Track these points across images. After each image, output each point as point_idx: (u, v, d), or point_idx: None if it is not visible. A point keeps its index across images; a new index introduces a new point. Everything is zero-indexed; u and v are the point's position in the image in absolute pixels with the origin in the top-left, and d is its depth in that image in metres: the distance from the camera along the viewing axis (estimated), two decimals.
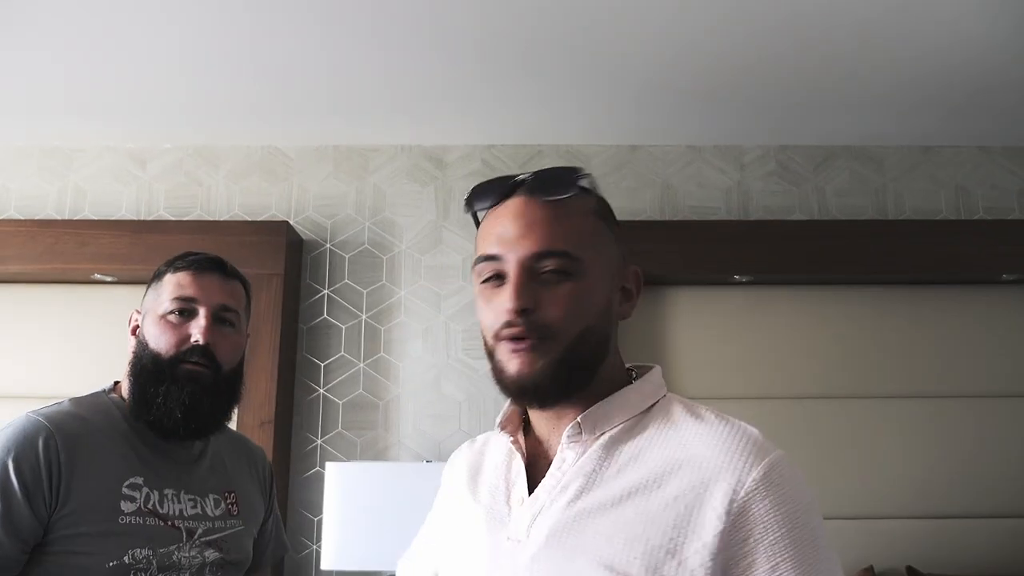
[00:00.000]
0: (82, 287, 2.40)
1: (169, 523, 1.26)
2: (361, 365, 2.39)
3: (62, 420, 1.22)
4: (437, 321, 2.41)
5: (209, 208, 2.50)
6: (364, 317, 2.42)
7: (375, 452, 2.33)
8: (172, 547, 1.24)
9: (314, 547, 2.28)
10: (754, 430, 0.83)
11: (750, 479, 0.77)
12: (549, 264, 0.84)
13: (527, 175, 0.88)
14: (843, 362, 2.37)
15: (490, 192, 0.90)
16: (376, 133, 2.47)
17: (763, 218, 2.47)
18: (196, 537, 1.28)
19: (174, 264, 1.35)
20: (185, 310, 1.30)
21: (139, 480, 1.25)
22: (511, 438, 0.92)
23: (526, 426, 0.95)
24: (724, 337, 2.39)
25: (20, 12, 1.81)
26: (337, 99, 2.25)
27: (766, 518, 0.76)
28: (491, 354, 0.87)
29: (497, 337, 0.85)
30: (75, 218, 2.47)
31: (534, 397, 0.85)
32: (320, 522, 2.26)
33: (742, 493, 0.77)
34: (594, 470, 0.83)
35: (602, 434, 0.85)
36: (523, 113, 2.33)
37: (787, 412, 2.33)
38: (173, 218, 2.48)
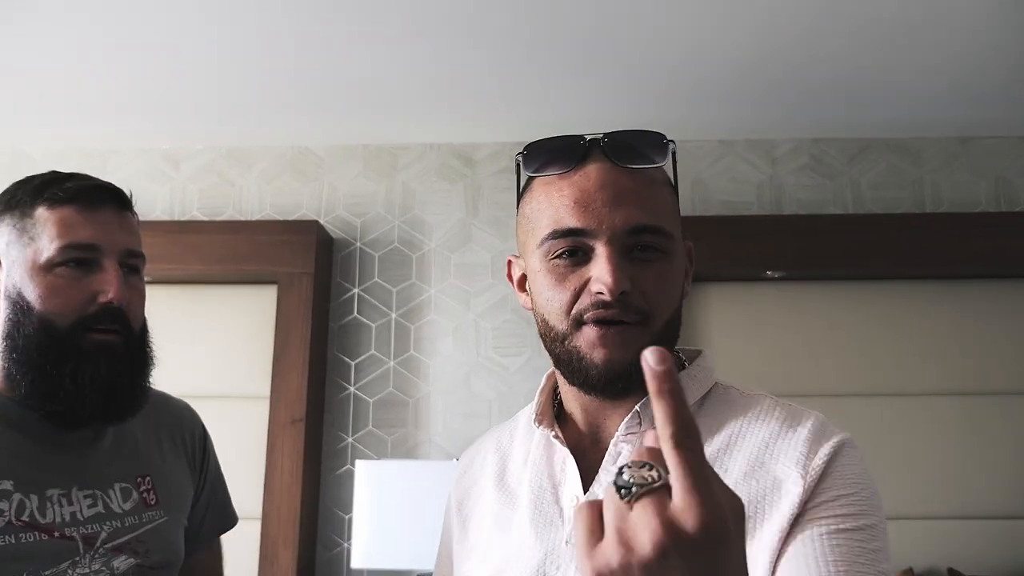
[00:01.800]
0: None
1: (56, 534, 0.95)
2: (391, 363, 2.39)
3: None
4: (467, 319, 2.41)
5: (241, 208, 2.52)
6: (394, 315, 2.42)
7: (405, 450, 2.33)
8: (64, 564, 0.94)
9: (345, 545, 2.28)
10: (817, 412, 0.81)
11: (824, 448, 0.75)
12: (644, 240, 0.76)
13: (599, 136, 0.78)
14: (880, 359, 2.32)
15: (558, 154, 0.79)
16: (405, 132, 2.47)
17: (796, 212, 2.43)
18: (98, 545, 0.99)
19: (46, 193, 1.00)
20: (81, 260, 0.98)
21: (7, 485, 0.94)
22: (552, 432, 0.84)
23: (558, 417, 0.87)
24: (757, 334, 2.36)
25: (55, 16, 1.83)
26: (366, 98, 2.26)
27: (841, 475, 0.74)
28: (563, 338, 0.78)
29: (578, 319, 0.76)
30: None
31: (623, 386, 0.77)
32: (351, 520, 2.27)
33: (819, 459, 0.74)
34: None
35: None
36: (552, 110, 2.31)
37: (823, 410, 2.27)
38: (206, 218, 2.50)
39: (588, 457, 0.81)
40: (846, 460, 0.76)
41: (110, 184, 1.05)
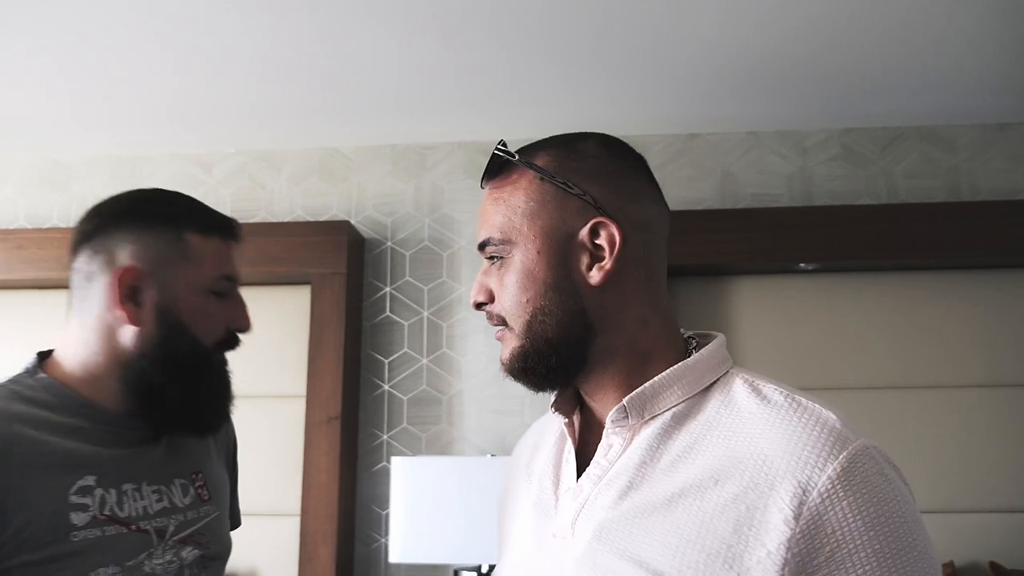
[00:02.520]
0: None
1: (133, 527, 1.01)
2: (424, 361, 2.42)
3: None
4: None
5: (272, 210, 2.56)
6: (426, 314, 2.45)
7: (440, 447, 2.36)
8: (142, 556, 1.00)
9: (382, 540, 2.32)
10: (831, 414, 0.71)
11: (824, 477, 0.67)
12: (487, 252, 0.82)
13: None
14: (916, 351, 2.29)
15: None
16: (432, 131, 2.48)
17: (828, 204, 2.41)
18: (168, 537, 1.05)
19: (200, 225, 1.07)
20: (225, 290, 1.08)
21: (91, 481, 0.98)
22: (565, 420, 0.85)
23: (583, 405, 0.87)
24: (790, 327, 2.34)
25: (88, 27, 1.87)
26: (393, 100, 2.27)
27: (845, 525, 0.65)
28: None
29: None
30: None
31: (524, 384, 0.82)
32: (387, 516, 2.30)
33: (814, 494, 0.66)
34: (643, 462, 0.75)
35: (653, 418, 0.77)
36: (578, 105, 2.31)
37: (859, 403, 2.27)
38: (239, 221, 2.54)
39: (592, 447, 0.81)
40: (856, 490, 0.67)
41: (232, 217, 1.14)
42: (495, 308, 0.82)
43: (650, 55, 2.04)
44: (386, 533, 2.31)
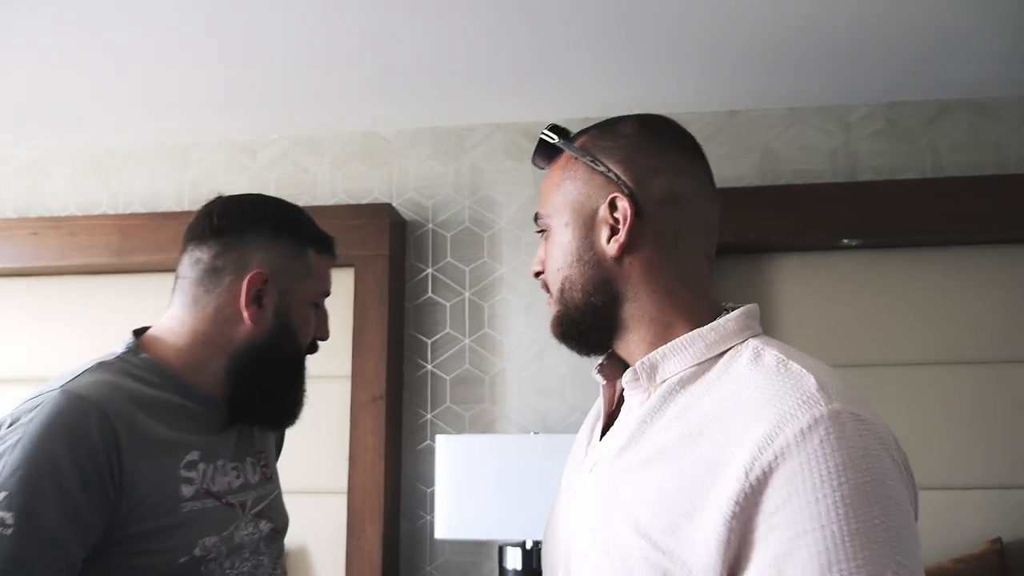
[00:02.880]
0: None
1: (224, 501, 1.09)
2: (466, 341, 2.44)
3: (108, 395, 1.00)
4: (539, 296, 2.44)
5: (315, 194, 2.60)
6: (467, 294, 2.47)
7: (483, 425, 2.39)
8: (231, 528, 1.08)
9: (428, 518, 2.35)
10: (812, 378, 0.70)
11: (782, 436, 0.66)
12: (537, 226, 0.92)
13: None
14: (964, 326, 2.26)
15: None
16: (471, 113, 2.50)
17: (872, 179, 2.38)
18: (248, 511, 1.13)
19: (317, 242, 1.18)
20: (321, 303, 1.21)
21: (195, 456, 1.07)
22: (604, 382, 0.91)
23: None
24: (834, 304, 2.33)
25: (136, 17, 1.91)
26: (432, 81, 2.29)
27: (790, 485, 0.64)
28: None
29: None
30: (194, 209, 2.60)
31: (569, 348, 0.90)
32: (432, 494, 2.33)
33: (769, 452, 0.66)
34: (645, 421, 0.79)
35: (664, 382, 0.80)
36: (616, 84, 2.31)
37: (905, 379, 2.25)
38: None
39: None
40: (812, 450, 0.65)
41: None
42: (543, 277, 0.91)
43: (687, 31, 2.03)
44: (431, 510, 2.34)
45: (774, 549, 0.64)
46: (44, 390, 1.00)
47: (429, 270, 2.50)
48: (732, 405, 0.72)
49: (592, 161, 0.85)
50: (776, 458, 0.65)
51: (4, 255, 2.54)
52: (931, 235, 2.25)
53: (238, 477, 1.14)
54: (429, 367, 2.45)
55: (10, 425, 0.96)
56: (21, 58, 2.11)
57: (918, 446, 2.20)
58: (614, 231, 0.83)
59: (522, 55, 2.14)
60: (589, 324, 0.85)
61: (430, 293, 2.49)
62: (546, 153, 0.92)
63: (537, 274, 0.92)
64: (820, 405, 0.67)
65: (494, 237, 2.49)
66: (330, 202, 2.57)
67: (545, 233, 0.90)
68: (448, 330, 2.46)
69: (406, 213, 2.54)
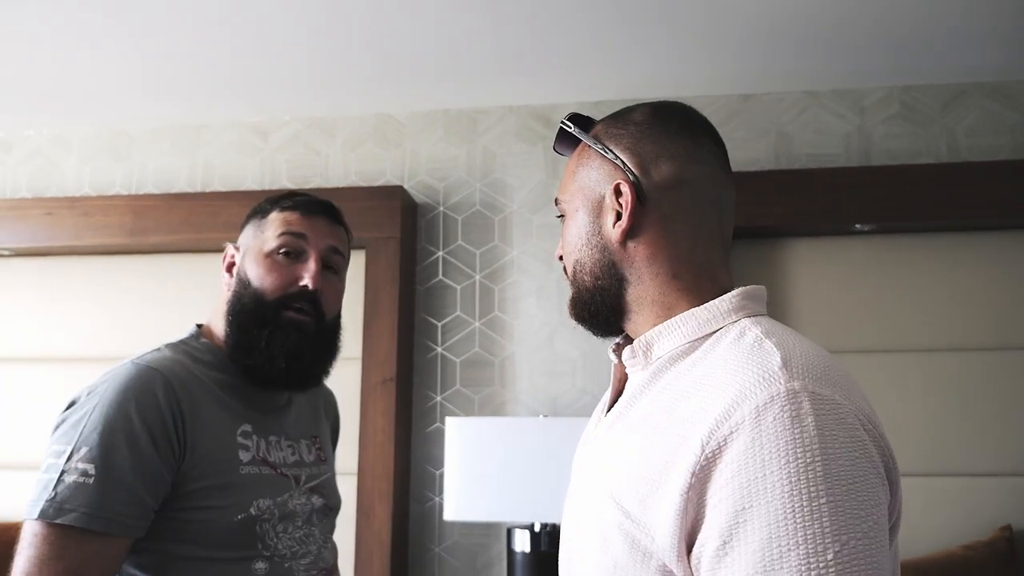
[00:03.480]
0: (215, 255, 2.55)
1: (279, 471, 1.21)
2: (476, 324, 2.45)
3: (171, 366, 1.14)
4: (550, 279, 2.43)
5: (327, 176, 2.60)
6: (478, 277, 2.47)
7: (492, 408, 2.39)
8: (286, 495, 1.20)
9: (436, 499, 2.37)
10: (778, 355, 0.71)
11: (739, 412, 0.68)
12: (557, 211, 0.95)
13: None
14: (979, 312, 2.25)
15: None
16: (484, 96, 2.49)
17: (886, 163, 2.36)
18: (301, 484, 1.24)
19: (280, 203, 1.27)
20: (293, 251, 1.23)
21: (249, 427, 1.20)
22: (615, 361, 0.93)
23: None
24: (846, 289, 2.31)
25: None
26: (445, 63, 2.29)
27: (738, 460, 0.66)
28: None
29: None
30: (206, 191, 2.61)
31: (585, 328, 0.93)
32: (442, 475, 2.34)
33: (726, 427, 0.67)
34: (635, 396, 0.83)
35: (658, 359, 0.83)
36: (630, 66, 2.30)
37: (919, 365, 2.24)
38: (295, 187, 2.59)
39: None
40: (765, 427, 0.66)
41: (328, 201, 1.32)
42: (563, 260, 0.94)
43: (701, 14, 2.01)
44: (440, 492, 2.35)
45: (721, 521, 0.66)
46: (118, 365, 1.14)
47: (440, 253, 2.50)
48: (706, 382, 0.74)
49: (602, 149, 0.88)
50: (731, 433, 0.67)
51: (19, 235, 2.56)
52: (946, 220, 2.23)
53: (293, 454, 1.26)
54: (439, 350, 2.45)
55: (88, 393, 1.11)
56: (36, 40, 2.12)
57: (930, 433, 2.19)
58: (619, 216, 0.85)
59: (535, 38, 2.13)
60: (598, 306, 0.88)
61: (441, 276, 2.49)
62: (566, 141, 0.95)
63: (561, 258, 0.95)
64: (779, 383, 0.68)
65: (505, 220, 2.49)
66: (342, 184, 2.58)
67: (563, 218, 0.93)
68: (458, 313, 2.46)
69: (417, 196, 2.54)
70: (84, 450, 1.04)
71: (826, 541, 0.62)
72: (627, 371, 0.87)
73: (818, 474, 0.64)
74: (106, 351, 2.53)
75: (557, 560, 0.94)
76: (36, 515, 1.02)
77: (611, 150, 0.87)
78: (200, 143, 2.68)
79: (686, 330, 0.82)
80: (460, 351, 2.44)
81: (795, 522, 0.63)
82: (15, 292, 2.63)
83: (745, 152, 2.42)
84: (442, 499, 2.32)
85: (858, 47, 2.18)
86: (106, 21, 2.03)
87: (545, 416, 2.27)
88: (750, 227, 2.27)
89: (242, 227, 1.32)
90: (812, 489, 0.63)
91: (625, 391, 0.87)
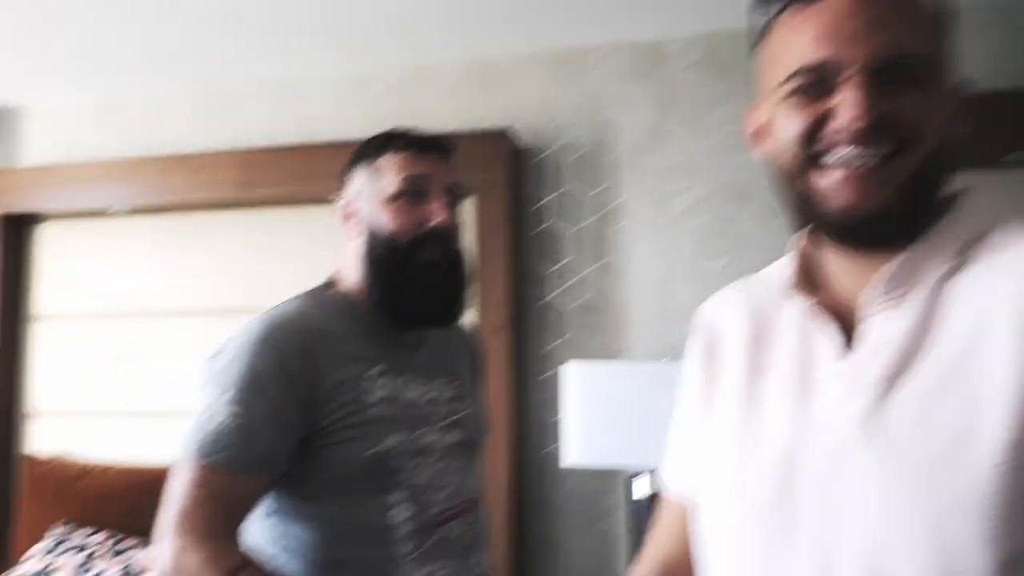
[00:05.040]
0: (322, 207, 2.54)
1: (412, 409, 1.25)
2: (589, 269, 2.39)
3: (304, 316, 1.22)
4: (662, 222, 2.35)
5: (431, 122, 2.55)
6: (589, 221, 2.41)
7: (607, 354, 2.34)
8: (422, 430, 1.24)
9: (552, 446, 2.34)
10: None
11: None
12: (901, 70, 0.69)
13: None
14: None
15: None
16: (590, 32, 2.40)
17: None
18: (435, 421, 1.28)
19: (391, 144, 1.27)
20: (416, 191, 1.25)
21: (382, 367, 1.24)
22: (812, 300, 0.78)
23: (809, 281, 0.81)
24: None
25: None
26: (547, 2, 2.20)
27: None
28: (793, 178, 0.75)
29: (814, 157, 0.72)
30: (310, 143, 2.60)
31: (873, 236, 0.72)
32: (555, 423, 2.31)
33: None
34: (910, 340, 0.70)
35: (920, 285, 0.71)
36: None
37: None
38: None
39: (843, 323, 0.76)
40: None
41: (435, 135, 1.31)
42: (888, 132, 0.69)
43: None
44: (555, 440, 2.33)
45: None
46: (256, 316, 1.21)
47: (549, 197, 2.44)
48: (1003, 291, 0.67)
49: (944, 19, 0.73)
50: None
51: (133, 193, 2.62)
52: None
53: (427, 392, 1.28)
54: (551, 296, 2.41)
55: (231, 343, 1.19)
56: (142, 3, 2.13)
57: None
58: (953, 114, 0.73)
59: None
60: (928, 211, 0.73)
61: (551, 220, 2.43)
62: None
63: (872, 126, 0.68)
64: None
65: (616, 162, 2.41)
66: (446, 129, 2.53)
67: (918, 84, 0.69)
68: (570, 258, 2.41)
69: (525, 139, 2.48)
70: (229, 394, 1.13)
71: None
72: (876, 306, 0.73)
73: None
74: (221, 303, 2.58)
75: None
76: (188, 454, 1.13)
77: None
78: (302, 96, 2.67)
79: (955, 241, 0.73)
80: (572, 297, 2.39)
81: None
82: (133, 249, 2.70)
83: None
84: (557, 447, 2.30)
85: None
86: None
87: (666, 360, 2.21)
88: None
89: (345, 174, 1.33)
90: None
91: (876, 334, 0.73)
